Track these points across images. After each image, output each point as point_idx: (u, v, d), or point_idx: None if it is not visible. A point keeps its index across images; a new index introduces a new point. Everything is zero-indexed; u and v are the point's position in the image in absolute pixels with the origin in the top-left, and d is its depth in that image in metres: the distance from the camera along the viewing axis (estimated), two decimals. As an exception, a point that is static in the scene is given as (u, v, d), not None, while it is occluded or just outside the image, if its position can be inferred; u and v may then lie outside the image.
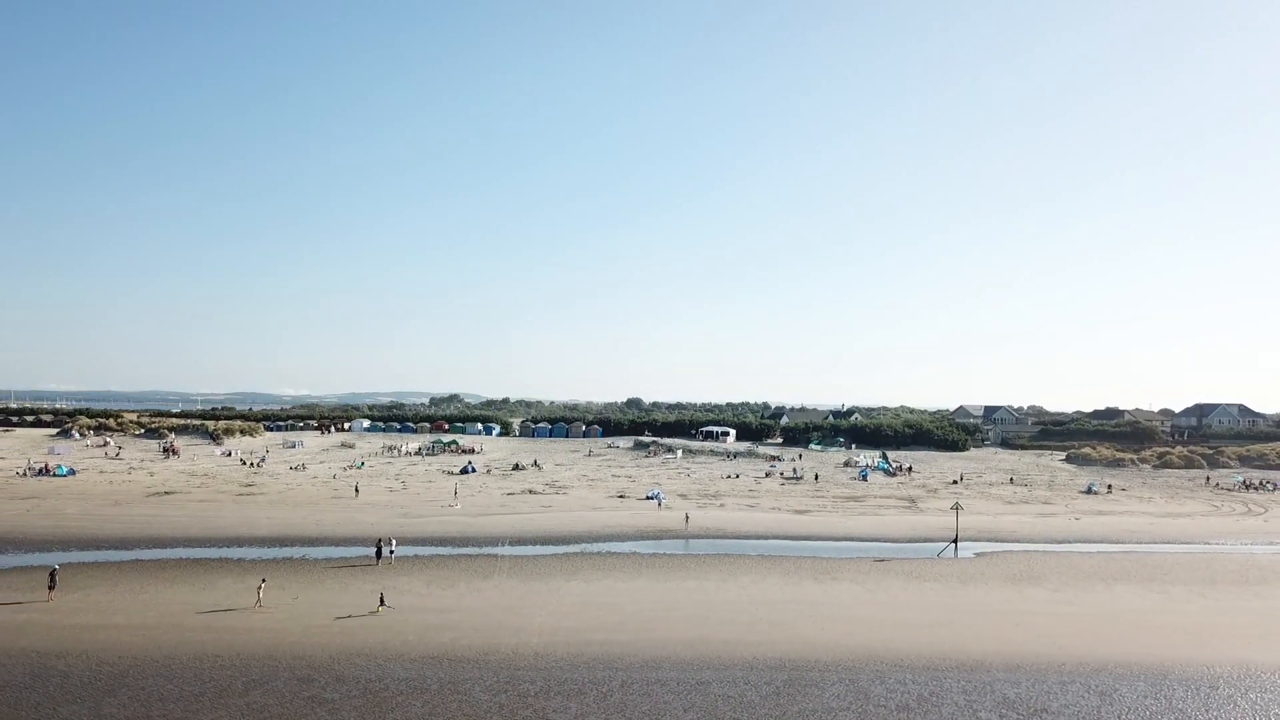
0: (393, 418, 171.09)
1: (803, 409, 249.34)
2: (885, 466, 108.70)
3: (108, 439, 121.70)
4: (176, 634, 33.89)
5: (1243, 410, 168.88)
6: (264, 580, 40.09)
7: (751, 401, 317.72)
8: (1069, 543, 61.19)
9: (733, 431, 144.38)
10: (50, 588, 38.80)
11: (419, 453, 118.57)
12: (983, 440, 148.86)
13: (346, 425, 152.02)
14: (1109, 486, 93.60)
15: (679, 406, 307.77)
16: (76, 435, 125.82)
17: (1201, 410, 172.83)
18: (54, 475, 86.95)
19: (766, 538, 60.78)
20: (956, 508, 62.17)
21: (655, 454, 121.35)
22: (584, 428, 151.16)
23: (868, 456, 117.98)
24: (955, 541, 58.48)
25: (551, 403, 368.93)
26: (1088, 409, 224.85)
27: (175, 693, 27.80)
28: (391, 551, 49.70)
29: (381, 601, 38.32)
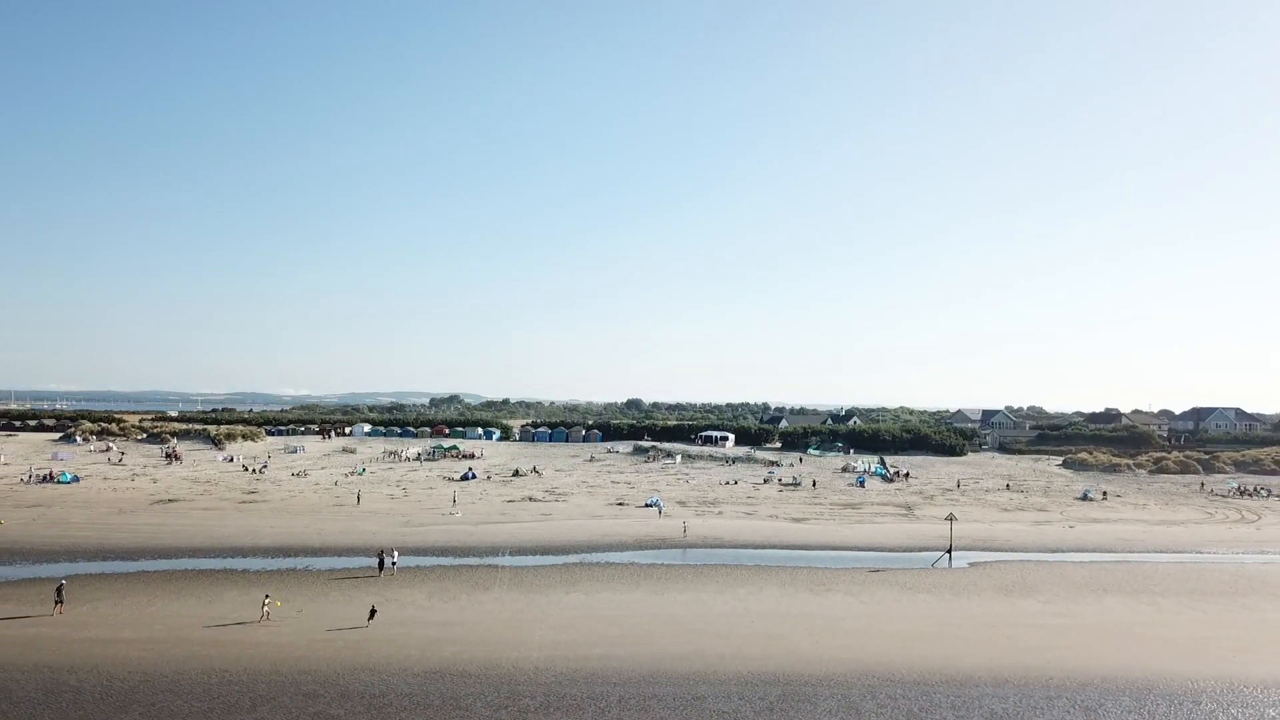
0: (393, 421, 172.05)
1: (802, 410, 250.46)
2: (883, 472, 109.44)
3: (110, 444, 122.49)
4: (184, 648, 34.64)
5: (1240, 414, 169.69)
6: (268, 596, 40.81)
7: (751, 402, 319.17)
8: (1063, 552, 61.91)
9: (731, 436, 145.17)
10: (57, 602, 39.47)
11: (419, 458, 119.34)
12: (980, 445, 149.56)
13: (348, 430, 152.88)
14: (1104, 493, 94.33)
15: (679, 407, 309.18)
16: (79, 440, 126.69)
17: (1199, 414, 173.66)
18: (58, 482, 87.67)
19: (764, 547, 61.55)
20: (951, 519, 62.86)
21: (655, 459, 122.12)
22: (584, 432, 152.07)
23: (865, 462, 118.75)
24: (949, 551, 59.22)
25: (552, 403, 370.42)
26: (1087, 410, 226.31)
27: (185, 709, 28.55)
28: (394, 563, 50.43)
29: (371, 614, 39.07)
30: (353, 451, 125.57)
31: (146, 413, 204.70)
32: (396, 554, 51.89)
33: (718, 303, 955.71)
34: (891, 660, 34.72)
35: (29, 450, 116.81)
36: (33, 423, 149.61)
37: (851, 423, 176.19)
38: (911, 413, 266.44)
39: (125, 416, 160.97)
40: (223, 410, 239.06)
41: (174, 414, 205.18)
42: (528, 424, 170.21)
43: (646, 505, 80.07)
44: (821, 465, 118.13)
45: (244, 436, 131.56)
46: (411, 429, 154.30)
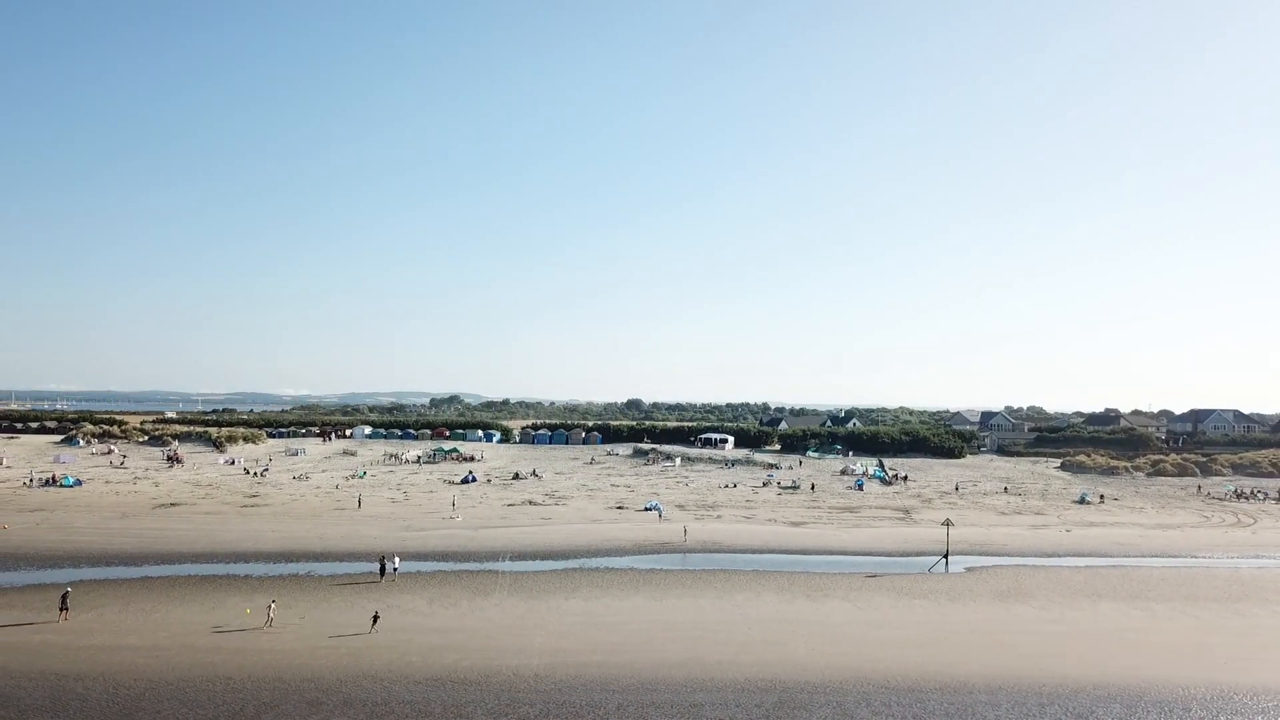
0: (394, 424, 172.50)
1: (802, 411, 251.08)
2: (881, 475, 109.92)
3: (112, 447, 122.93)
4: (189, 655, 35.08)
5: (1238, 416, 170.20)
6: (274, 601, 41.37)
7: (751, 402, 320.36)
8: (1059, 556, 62.35)
9: (731, 438, 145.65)
10: (62, 609, 39.86)
11: (419, 461, 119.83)
12: (979, 447, 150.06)
13: (348, 432, 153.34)
14: (1101, 496, 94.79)
15: (679, 407, 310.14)
16: (81, 443, 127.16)
17: (1197, 416, 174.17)
18: (61, 486, 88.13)
19: (763, 552, 61.96)
20: (947, 523, 63.30)
21: (654, 462, 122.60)
22: (584, 434, 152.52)
23: (864, 464, 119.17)
24: (946, 556, 59.67)
25: (552, 403, 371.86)
26: (1087, 410, 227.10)
27: (190, 717, 28.98)
28: (395, 568, 50.88)
29: (374, 620, 39.53)
30: (353, 454, 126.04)
31: (147, 413, 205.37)
32: (398, 559, 52.34)
33: (718, 303, 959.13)
34: (887, 667, 35.16)
35: (31, 453, 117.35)
36: (34, 425, 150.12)
37: (851, 424, 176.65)
38: (911, 413, 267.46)
39: (126, 418, 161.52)
40: (223, 411, 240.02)
41: (174, 415, 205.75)
42: (528, 426, 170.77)
43: (646, 509, 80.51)
44: (820, 468, 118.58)
45: (245, 439, 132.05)
46: (412, 431, 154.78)
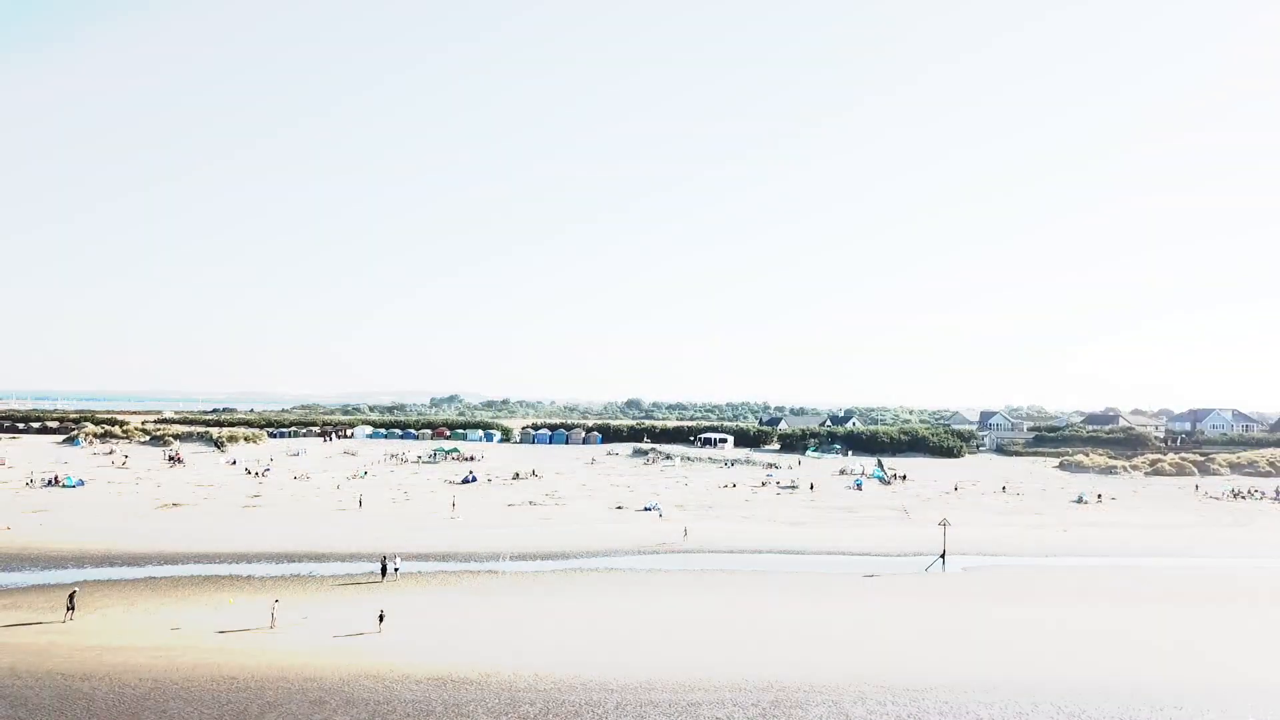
0: (394, 424, 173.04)
1: (802, 410, 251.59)
2: (880, 475, 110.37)
3: (114, 447, 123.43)
4: (193, 655, 35.50)
5: (1237, 415, 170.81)
6: (277, 600, 41.82)
7: (752, 401, 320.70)
8: (1056, 556, 62.77)
9: (730, 438, 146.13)
10: (69, 609, 40.32)
11: (420, 461, 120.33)
12: (978, 447, 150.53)
13: (349, 432, 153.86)
14: (1099, 496, 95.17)
15: (679, 407, 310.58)
16: (82, 443, 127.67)
17: (1196, 415, 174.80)
18: (63, 486, 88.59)
19: (761, 552, 62.41)
20: (944, 524, 63.68)
21: (654, 462, 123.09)
22: (584, 434, 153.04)
23: (863, 464, 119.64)
24: (943, 556, 60.09)
25: (552, 403, 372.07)
26: (1087, 409, 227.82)
27: (195, 716, 29.40)
28: (396, 568, 51.33)
29: (380, 619, 39.96)
30: (354, 454, 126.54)
31: (148, 413, 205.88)
32: (399, 559, 52.78)
33: (717, 302, 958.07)
34: (882, 667, 35.56)
35: (33, 453, 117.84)
36: (35, 425, 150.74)
37: (850, 424, 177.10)
38: (911, 413, 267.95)
39: (127, 418, 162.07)
40: (223, 411, 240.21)
41: (174, 415, 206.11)
42: (528, 426, 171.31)
43: (646, 509, 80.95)
44: (819, 468, 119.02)
45: (246, 439, 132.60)
46: (413, 430, 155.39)
